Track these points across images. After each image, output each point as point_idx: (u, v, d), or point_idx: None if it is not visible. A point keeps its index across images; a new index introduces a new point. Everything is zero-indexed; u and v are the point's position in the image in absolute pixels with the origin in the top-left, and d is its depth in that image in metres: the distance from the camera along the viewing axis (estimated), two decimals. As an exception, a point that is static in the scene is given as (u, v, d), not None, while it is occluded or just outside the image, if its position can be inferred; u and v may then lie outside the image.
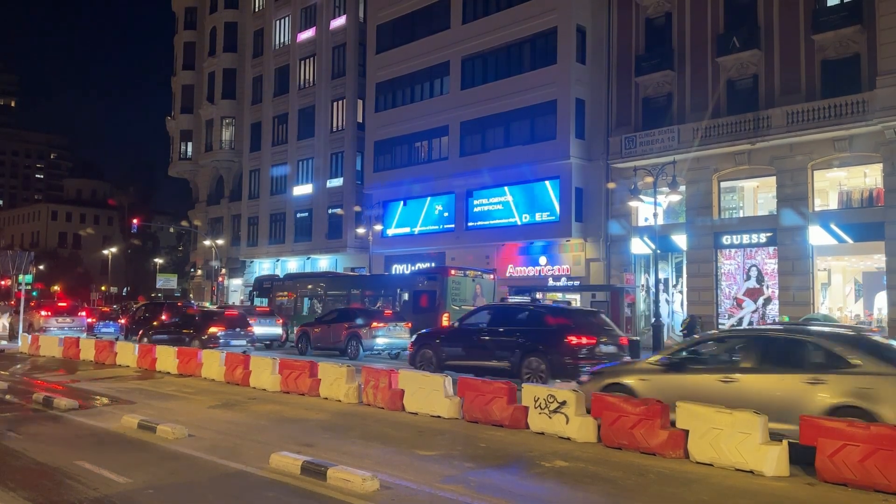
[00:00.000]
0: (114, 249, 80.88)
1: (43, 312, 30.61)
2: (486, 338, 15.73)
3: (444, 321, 23.50)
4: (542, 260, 33.14)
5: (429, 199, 37.73)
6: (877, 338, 9.73)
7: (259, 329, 24.41)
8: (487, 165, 34.17)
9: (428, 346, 16.69)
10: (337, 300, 30.19)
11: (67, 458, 7.94)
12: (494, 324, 16.08)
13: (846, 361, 8.47)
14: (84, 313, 32.69)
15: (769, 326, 20.92)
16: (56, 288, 78.88)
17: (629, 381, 10.00)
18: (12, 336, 28.24)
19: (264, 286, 35.85)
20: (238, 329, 22.48)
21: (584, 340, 14.44)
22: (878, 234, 24.40)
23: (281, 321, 27.53)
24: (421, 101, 38.44)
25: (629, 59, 31.30)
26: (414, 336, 18.72)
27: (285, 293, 33.59)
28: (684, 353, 10.16)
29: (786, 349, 9.21)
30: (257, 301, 35.07)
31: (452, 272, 27.45)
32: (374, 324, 22.27)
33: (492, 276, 28.95)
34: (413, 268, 38.66)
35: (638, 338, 26.76)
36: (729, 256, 28.40)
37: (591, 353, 14.37)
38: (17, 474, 7.29)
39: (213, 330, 21.71)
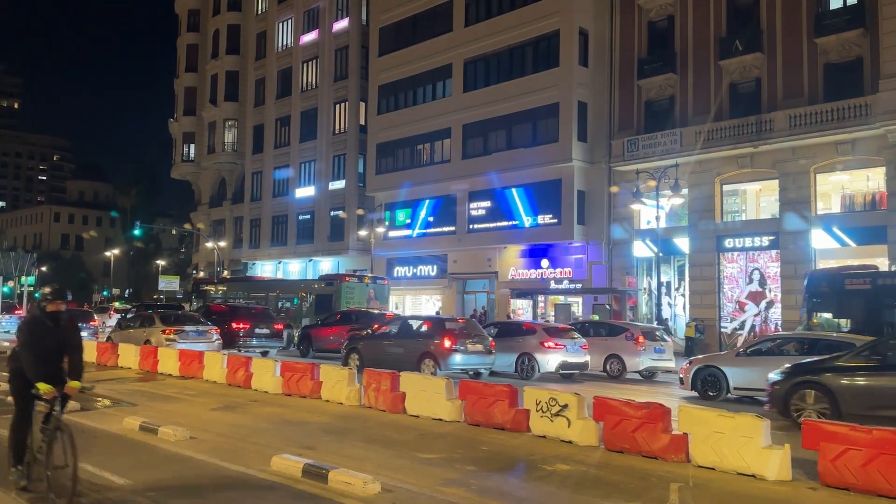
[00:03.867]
0: (116, 251, 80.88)
1: None
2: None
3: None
4: (545, 263, 33.12)
5: (431, 201, 37.74)
6: None
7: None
8: (489, 168, 34.18)
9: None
10: (257, 300, 32.63)
11: (69, 460, 7.91)
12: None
13: None
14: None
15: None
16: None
17: None
18: None
19: (201, 288, 38.79)
20: (82, 323, 28.31)
21: (241, 325, 23.39)
22: (880, 238, 24.39)
23: (281, 327, 27.79)
24: (423, 104, 38.47)
25: (631, 62, 31.32)
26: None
27: (218, 295, 35.87)
28: None
29: None
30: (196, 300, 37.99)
31: (347, 278, 31.47)
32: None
33: (385, 281, 33.25)
34: (415, 270, 38.81)
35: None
36: (731, 260, 28.37)
37: (250, 334, 23.23)
38: (18, 476, 7.28)
39: None
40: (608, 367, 19.52)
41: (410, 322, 19.23)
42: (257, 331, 23.56)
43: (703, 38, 29.16)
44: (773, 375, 11.70)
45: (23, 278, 28.50)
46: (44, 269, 74.70)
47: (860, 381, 10.53)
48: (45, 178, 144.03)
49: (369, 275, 34.01)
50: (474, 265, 35.83)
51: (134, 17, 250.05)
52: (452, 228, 36.42)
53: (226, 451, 8.60)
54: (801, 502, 6.93)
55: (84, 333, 29.71)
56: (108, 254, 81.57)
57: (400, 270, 39.60)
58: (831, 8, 26.17)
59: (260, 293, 34.27)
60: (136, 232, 63.32)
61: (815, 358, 11.98)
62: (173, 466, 7.81)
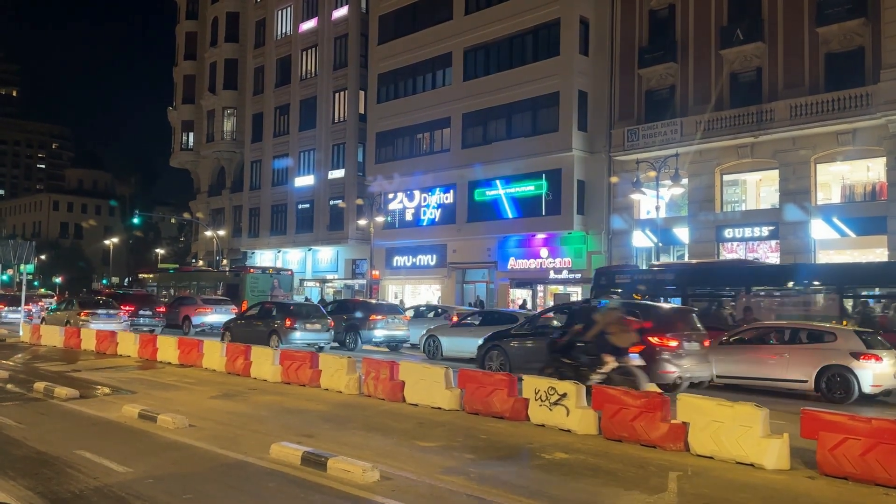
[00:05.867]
0: (115, 240, 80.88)
1: None
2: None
3: (244, 307, 28.74)
4: (544, 252, 33.11)
5: (430, 190, 37.68)
6: None
7: (217, 317, 28.02)
8: (489, 157, 34.10)
9: None
10: (186, 288, 36.70)
11: (68, 448, 7.94)
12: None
13: None
14: None
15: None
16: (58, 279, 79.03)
17: None
18: None
19: (140, 278, 43.90)
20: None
21: (127, 308, 27.46)
22: (880, 228, 24.37)
23: (235, 310, 29.24)
24: (423, 93, 38.33)
25: (632, 51, 31.19)
26: None
27: (153, 284, 40.22)
28: None
29: None
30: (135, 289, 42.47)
31: (251, 270, 35.57)
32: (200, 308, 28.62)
33: (290, 272, 37.41)
34: (414, 259, 38.82)
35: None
36: (731, 250, 28.36)
37: (135, 314, 27.44)
38: (17, 463, 7.30)
39: None
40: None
41: (267, 307, 22.73)
42: (141, 312, 27.97)
43: (704, 27, 29.04)
44: (479, 341, 16.22)
45: (22, 266, 28.43)
46: (43, 257, 74.69)
47: (518, 344, 15.11)
48: (43, 166, 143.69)
49: (275, 267, 39.09)
50: (474, 255, 35.81)
51: (132, 4, 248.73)
52: (452, 218, 36.39)
53: (225, 438, 8.61)
54: (799, 491, 6.94)
55: (17, 316, 30.38)
56: (107, 242, 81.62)
57: (399, 260, 39.59)
58: (833, -3, 26.05)
59: (184, 282, 38.21)
60: (136, 220, 63.39)
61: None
62: (172, 454, 7.83)
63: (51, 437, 8.63)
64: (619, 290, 20.46)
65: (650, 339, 12.78)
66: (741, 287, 19.01)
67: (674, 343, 12.95)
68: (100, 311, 25.68)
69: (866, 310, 16.91)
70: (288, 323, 20.79)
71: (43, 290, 60.94)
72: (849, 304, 17.23)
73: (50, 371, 15.54)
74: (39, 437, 8.54)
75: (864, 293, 17.56)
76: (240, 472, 7.11)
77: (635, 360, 11.75)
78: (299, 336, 20.70)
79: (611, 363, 11.59)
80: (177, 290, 37.60)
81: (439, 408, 10.97)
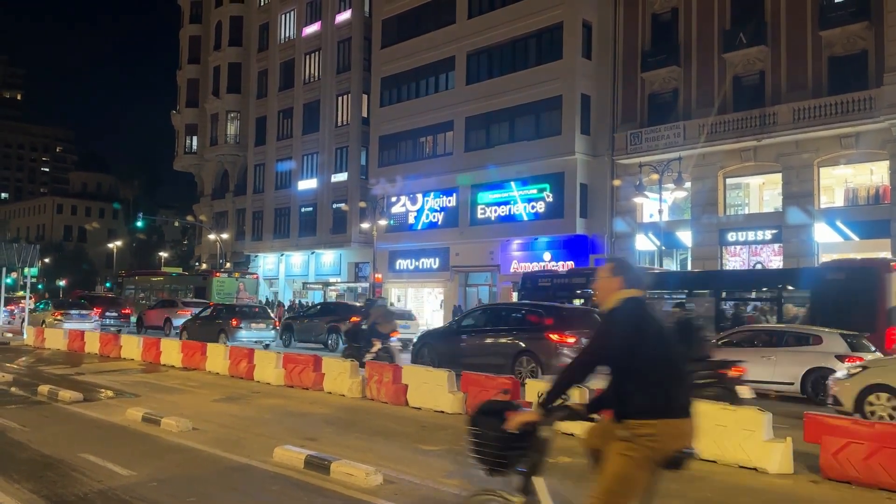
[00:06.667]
0: (119, 243, 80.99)
1: None
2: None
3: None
4: (547, 256, 33.10)
5: (433, 194, 37.70)
6: None
7: None
8: (492, 161, 34.12)
9: None
10: (160, 291, 39.20)
11: (72, 451, 7.95)
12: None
13: None
14: None
15: None
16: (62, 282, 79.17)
17: None
18: None
19: (119, 281, 47.16)
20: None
21: (96, 310, 29.81)
22: (884, 232, 24.35)
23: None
24: (426, 97, 38.38)
25: (635, 55, 31.22)
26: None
27: (132, 286, 43.31)
28: None
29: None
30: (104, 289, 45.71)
31: (217, 274, 37.97)
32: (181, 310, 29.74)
33: (255, 276, 40.39)
34: (417, 263, 38.84)
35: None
36: (734, 253, 28.34)
37: (102, 316, 29.33)
38: (22, 466, 7.31)
39: None
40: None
41: (219, 308, 25.15)
42: (107, 314, 30.50)
43: (707, 30, 29.06)
44: (415, 338, 18.36)
45: (26, 269, 28.56)
46: (47, 260, 74.82)
47: (442, 342, 16.42)
48: (47, 169, 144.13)
49: (241, 271, 41.46)
50: (476, 258, 35.81)
51: (136, 7, 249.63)
52: (455, 221, 36.39)
53: (228, 442, 8.62)
54: (802, 496, 6.93)
55: (2, 315, 31.65)
56: (110, 245, 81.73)
57: (402, 263, 39.59)
58: (836, 1, 26.04)
59: (160, 285, 40.82)
60: (139, 223, 63.42)
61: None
62: (176, 457, 7.84)
63: (55, 440, 8.65)
64: (540, 293, 22.58)
65: (550, 335, 14.25)
66: None
67: (572, 339, 14.25)
68: (72, 312, 27.76)
69: (737, 311, 19.39)
70: (234, 322, 22.99)
71: (21, 293, 61.91)
72: (724, 306, 19.68)
73: (54, 374, 15.57)
74: (43, 440, 8.55)
75: (735, 296, 20.16)
76: (243, 476, 7.11)
77: (395, 343, 14.97)
78: (245, 334, 22.82)
79: (377, 345, 14.79)
80: (153, 293, 39.79)
81: (442, 411, 10.98)
